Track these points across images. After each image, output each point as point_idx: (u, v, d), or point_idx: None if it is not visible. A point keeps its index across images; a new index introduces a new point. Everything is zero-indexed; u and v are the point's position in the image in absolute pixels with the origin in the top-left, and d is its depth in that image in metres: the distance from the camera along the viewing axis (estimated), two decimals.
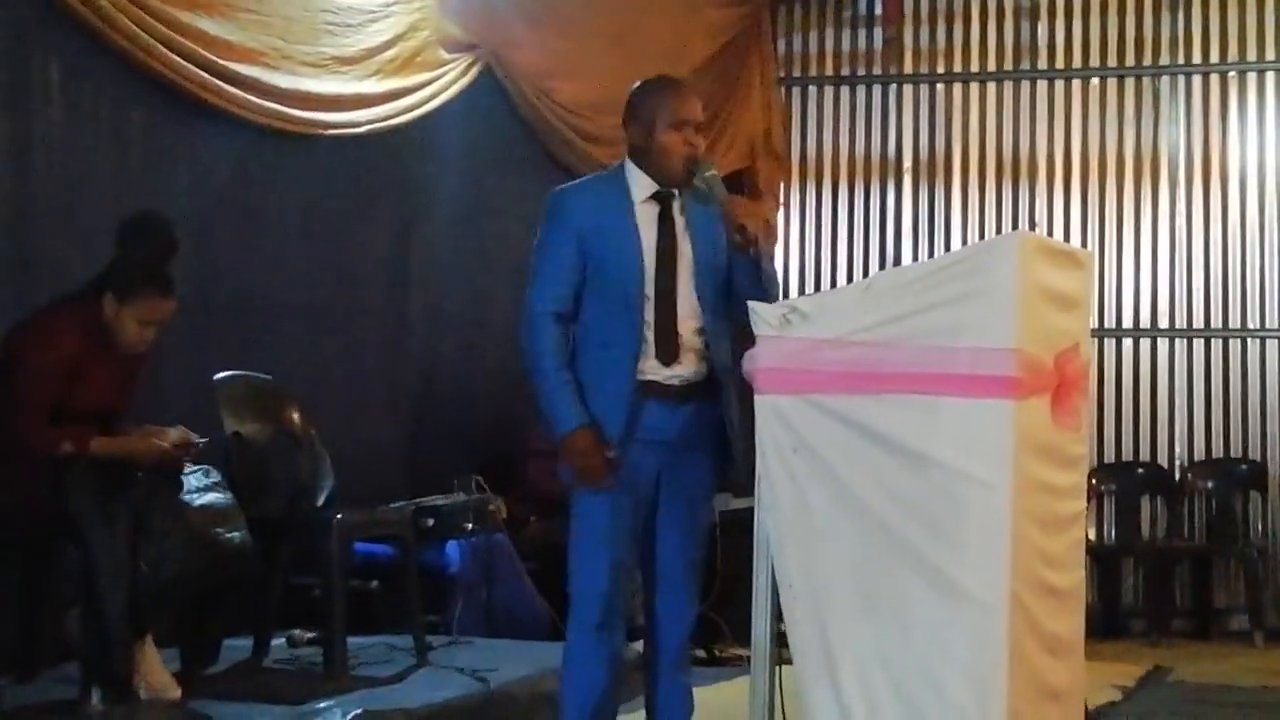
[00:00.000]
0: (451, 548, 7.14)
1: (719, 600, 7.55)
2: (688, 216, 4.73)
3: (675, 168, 4.70)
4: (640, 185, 4.72)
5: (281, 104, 6.81)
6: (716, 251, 4.73)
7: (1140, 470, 10.27)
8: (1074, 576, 4.59)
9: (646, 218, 4.70)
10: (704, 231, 4.73)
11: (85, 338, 5.24)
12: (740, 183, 10.31)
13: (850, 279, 10.72)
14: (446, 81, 7.87)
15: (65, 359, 5.19)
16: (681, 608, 4.83)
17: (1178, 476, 10.22)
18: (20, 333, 5.27)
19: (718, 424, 4.73)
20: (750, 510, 4.50)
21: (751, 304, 4.44)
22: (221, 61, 6.47)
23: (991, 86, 10.74)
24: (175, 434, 5.39)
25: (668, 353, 4.65)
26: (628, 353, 4.61)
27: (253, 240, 7.04)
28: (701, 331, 4.68)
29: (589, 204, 4.70)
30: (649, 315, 4.64)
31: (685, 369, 4.67)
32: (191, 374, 6.30)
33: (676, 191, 4.73)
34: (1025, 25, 10.66)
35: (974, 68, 10.77)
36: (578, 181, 4.94)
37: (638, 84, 4.83)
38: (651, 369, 4.64)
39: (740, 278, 4.72)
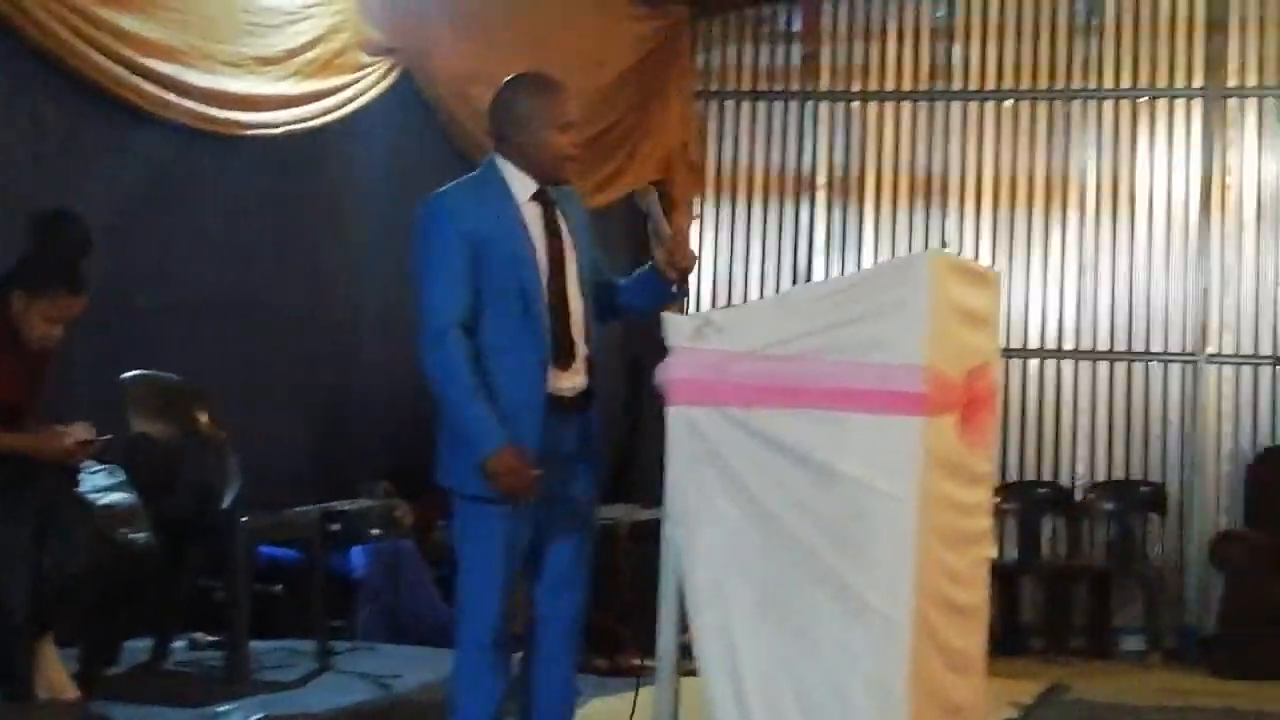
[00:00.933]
0: (357, 553, 7.12)
1: (623, 610, 7.58)
2: (566, 219, 4.69)
3: (561, 168, 4.67)
4: (520, 184, 4.63)
5: (200, 103, 6.76)
6: (591, 257, 4.73)
7: (1042, 490, 10.38)
8: (978, 593, 4.64)
9: (532, 218, 4.62)
10: (581, 236, 4.70)
11: None
12: (661, 196, 10.31)
13: (763, 294, 10.77)
14: (366, 84, 7.85)
15: None
16: (571, 609, 4.78)
17: (1079, 497, 10.33)
18: None
19: (597, 434, 4.70)
20: (657, 521, 4.52)
21: (666, 315, 4.45)
22: (140, 59, 6.43)
23: (906, 105, 10.82)
24: (78, 430, 5.35)
25: (564, 360, 4.58)
26: (535, 359, 4.51)
27: (169, 239, 6.99)
28: (589, 339, 4.66)
29: (471, 206, 4.57)
30: (547, 321, 4.56)
31: (578, 378, 4.62)
32: (103, 373, 6.24)
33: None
34: (941, 46, 10.75)
35: (889, 86, 10.85)
36: (451, 185, 4.71)
37: (512, 80, 4.73)
38: (552, 378, 4.56)
39: (642, 299, 4.73)
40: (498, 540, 4.55)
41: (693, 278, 10.70)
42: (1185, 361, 10.23)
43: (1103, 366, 10.37)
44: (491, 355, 4.50)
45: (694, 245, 10.77)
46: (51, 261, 5.26)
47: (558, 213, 4.68)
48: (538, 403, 4.53)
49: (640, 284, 4.75)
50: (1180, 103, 10.35)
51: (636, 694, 4.76)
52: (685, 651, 4.41)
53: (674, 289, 4.66)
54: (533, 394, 4.52)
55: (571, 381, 4.61)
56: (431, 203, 4.63)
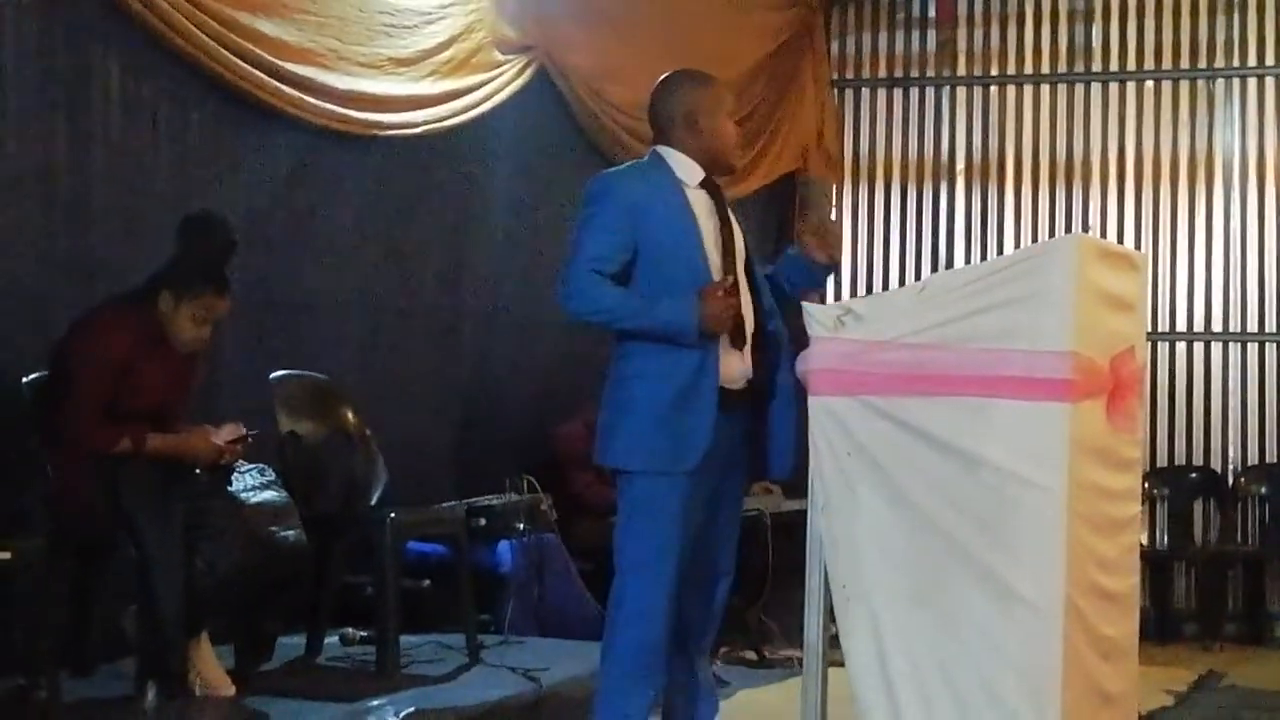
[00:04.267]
0: (503, 547, 7.16)
1: (769, 602, 7.57)
2: (731, 207, 4.78)
3: (733, 156, 4.81)
4: (688, 171, 4.72)
5: (338, 105, 6.83)
6: (750, 246, 4.79)
7: (1193, 475, 10.22)
8: (1128, 580, 4.58)
9: (699, 204, 4.70)
10: (743, 224, 4.79)
11: (140, 336, 5.28)
12: (794, 184, 10.31)
13: (903, 282, 10.69)
14: (501, 83, 7.89)
15: (119, 357, 5.23)
16: (716, 609, 4.84)
17: (1231, 481, 10.16)
18: (75, 331, 5.30)
19: (753, 428, 4.71)
20: (802, 512, 4.50)
21: (806, 305, 4.45)
22: (278, 62, 6.50)
23: (1045, 89, 10.70)
24: (227, 430, 5.43)
25: (739, 340, 4.62)
26: (712, 348, 4.56)
27: (309, 240, 7.07)
28: (761, 324, 4.69)
29: (639, 185, 4.65)
30: None
31: (747, 364, 4.66)
32: (248, 373, 6.34)
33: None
34: (1079, 28, 10.62)
35: (1028, 70, 10.73)
36: (619, 168, 4.85)
37: (672, 75, 4.84)
38: (723, 364, 4.59)
39: (796, 282, 4.77)
40: (674, 515, 4.56)
41: None
42: None
43: (1252, 348, 10.20)
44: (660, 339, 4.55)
45: None
46: (197, 262, 5.34)
47: (724, 200, 4.75)
48: (712, 401, 4.55)
49: (788, 270, 4.78)
50: None
51: None
52: (833, 643, 4.39)
53: (821, 275, 4.74)
54: (708, 388, 4.55)
55: (744, 365, 4.64)
56: (601, 178, 4.72)
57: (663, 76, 4.85)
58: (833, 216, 10.66)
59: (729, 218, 4.75)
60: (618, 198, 4.60)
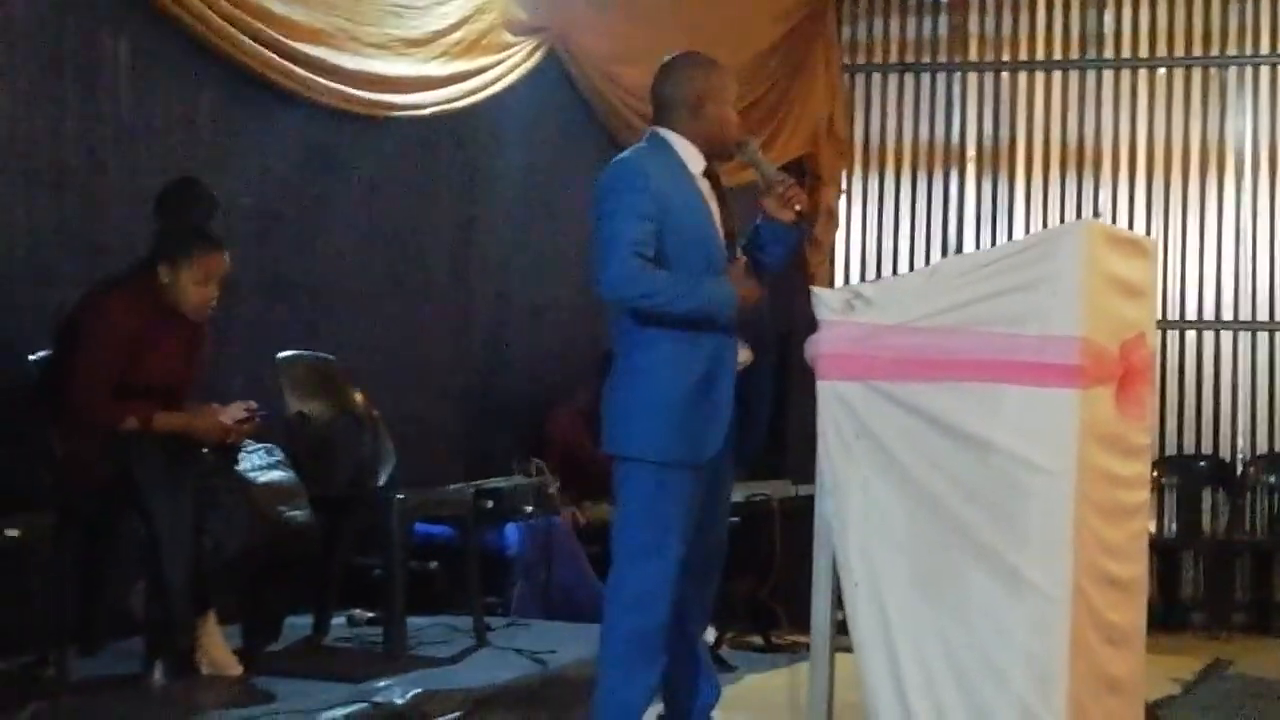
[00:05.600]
0: (511, 530, 7.16)
1: (776, 587, 7.58)
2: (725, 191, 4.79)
3: (733, 142, 4.76)
4: (692, 158, 4.70)
5: (348, 85, 6.83)
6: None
7: (1202, 463, 10.22)
8: (1136, 567, 4.57)
9: (705, 189, 4.71)
10: (734, 208, 4.79)
11: (144, 310, 5.30)
12: (802, 169, 10.29)
13: (912, 267, 10.68)
14: (512, 64, 7.88)
15: (125, 332, 5.25)
16: (710, 596, 4.85)
17: (1240, 470, 10.16)
18: (81, 309, 5.32)
19: (757, 406, 4.72)
20: (810, 498, 4.50)
21: (815, 289, 4.44)
22: (289, 42, 6.50)
23: (1057, 75, 10.68)
24: (235, 408, 5.43)
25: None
26: (729, 335, 4.58)
27: (319, 221, 7.07)
28: (755, 309, 4.70)
29: (658, 169, 4.62)
30: None
31: (744, 352, 4.67)
32: (256, 355, 6.33)
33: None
34: (1092, 14, 10.60)
35: (1039, 56, 10.72)
36: (631, 151, 4.75)
37: (679, 57, 4.79)
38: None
39: (774, 252, 4.74)
40: (683, 506, 4.56)
41: (840, 251, 10.79)
42: None
43: (1263, 337, 10.19)
44: (682, 326, 4.53)
45: (842, 219, 10.83)
46: (184, 228, 5.37)
47: (722, 184, 4.75)
48: (729, 374, 4.56)
49: (764, 238, 4.76)
50: None
51: None
52: (840, 628, 4.39)
53: (798, 228, 4.71)
54: (728, 377, 4.56)
55: (745, 351, 4.65)
56: (620, 164, 4.66)
57: (668, 58, 4.81)
58: (835, 198, 10.67)
59: (729, 203, 4.76)
60: (644, 182, 4.56)
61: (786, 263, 4.84)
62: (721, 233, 4.68)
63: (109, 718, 4.74)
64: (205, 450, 5.36)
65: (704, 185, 4.71)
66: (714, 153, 4.74)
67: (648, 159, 4.67)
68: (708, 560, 4.77)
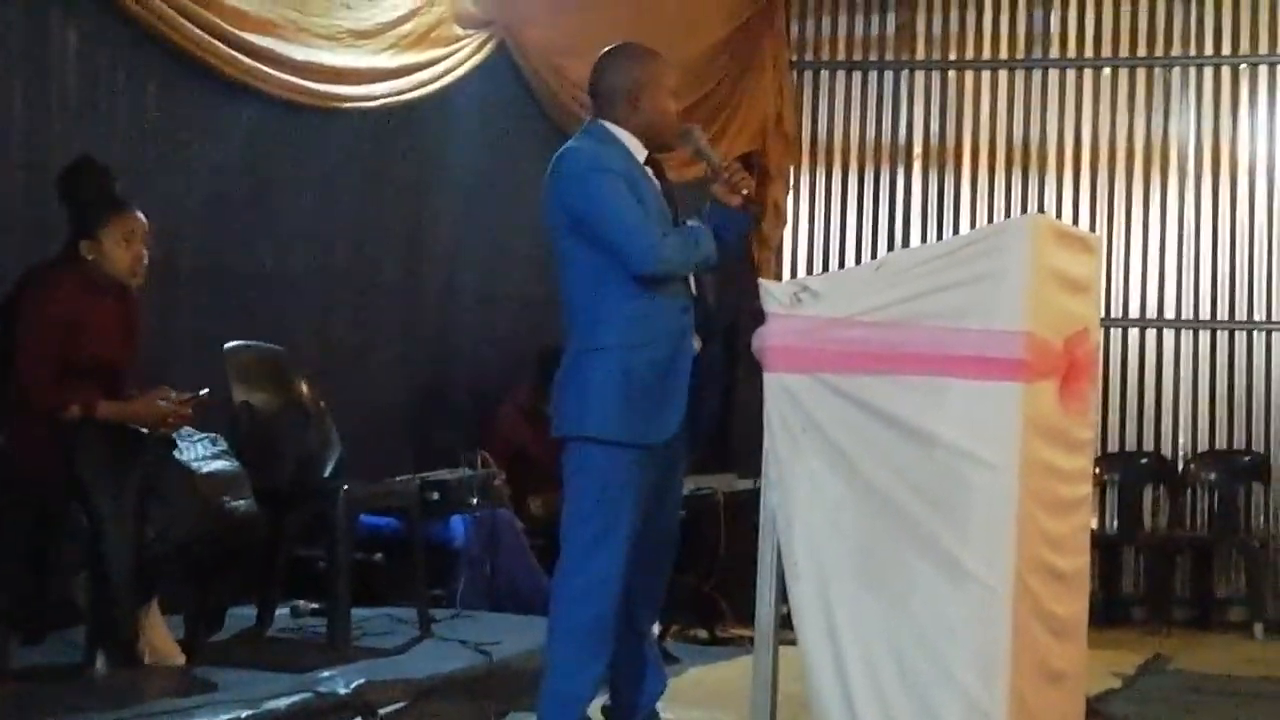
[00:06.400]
0: (456, 522, 7.16)
1: (721, 580, 7.58)
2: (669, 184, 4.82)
3: (674, 133, 4.78)
4: (636, 148, 4.73)
5: (297, 76, 6.81)
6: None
7: (1144, 460, 10.28)
8: (1078, 560, 4.61)
9: (651, 179, 4.74)
10: (678, 200, 4.82)
11: (77, 291, 5.31)
12: (750, 165, 10.31)
13: (859, 263, 10.71)
14: (461, 58, 7.88)
15: (62, 314, 5.25)
16: (660, 587, 4.87)
17: (1181, 467, 10.23)
18: (18, 292, 5.32)
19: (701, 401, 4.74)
20: (755, 491, 4.51)
21: (762, 281, 4.46)
22: (237, 32, 6.48)
23: (1003, 74, 10.72)
24: (171, 393, 5.41)
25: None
26: (680, 306, 4.62)
27: (267, 212, 7.05)
28: (701, 299, 4.73)
29: (612, 155, 4.66)
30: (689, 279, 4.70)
31: (695, 341, 4.70)
32: (203, 344, 6.31)
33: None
34: (1038, 13, 10.64)
35: (985, 55, 10.75)
36: (579, 140, 4.77)
37: (615, 49, 4.82)
38: None
39: (726, 238, 4.74)
40: (633, 488, 4.57)
41: (788, 246, 10.79)
42: None
43: (1204, 335, 10.25)
44: (644, 301, 4.57)
45: (789, 216, 10.86)
46: (89, 201, 5.37)
47: (665, 175, 4.79)
48: (688, 356, 4.61)
49: (714, 224, 4.76)
50: None
51: None
52: (785, 621, 4.40)
53: (746, 212, 4.75)
54: (685, 362, 4.60)
55: (695, 338, 4.68)
56: (575, 152, 4.68)
57: (605, 50, 4.83)
58: (783, 195, 10.70)
59: (672, 195, 4.79)
60: (602, 166, 4.60)
61: (738, 248, 4.89)
62: (671, 219, 4.71)
63: (51, 707, 4.71)
64: (146, 432, 5.33)
65: (649, 176, 4.74)
66: (654, 144, 4.76)
67: (596, 145, 4.69)
68: (657, 551, 4.78)
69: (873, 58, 11.00)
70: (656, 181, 4.75)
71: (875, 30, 11.00)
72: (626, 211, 4.55)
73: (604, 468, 4.56)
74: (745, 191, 4.69)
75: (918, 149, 10.86)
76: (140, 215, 5.42)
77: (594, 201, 4.57)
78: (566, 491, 4.68)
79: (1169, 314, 10.32)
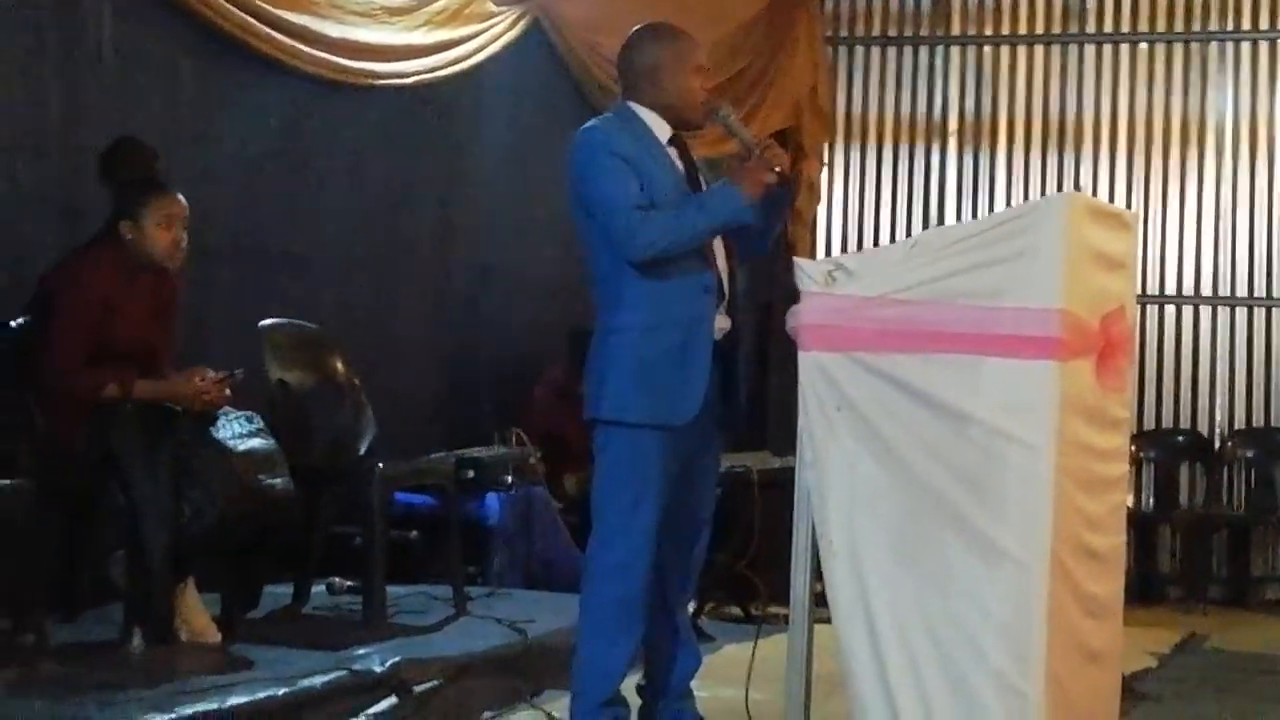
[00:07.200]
0: (491, 499, 7.17)
1: (756, 558, 7.58)
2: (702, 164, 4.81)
3: (699, 112, 4.75)
4: (659, 128, 4.72)
5: (331, 53, 6.81)
6: None
7: (1180, 438, 10.25)
8: (1114, 539, 4.58)
9: (673, 159, 4.72)
10: (711, 180, 4.78)
11: (114, 272, 5.32)
12: (784, 141, 10.29)
13: (894, 240, 10.68)
14: (495, 34, 7.87)
15: (98, 296, 5.26)
16: (695, 561, 4.87)
17: (1218, 445, 10.19)
18: (52, 277, 5.33)
19: (741, 380, 4.75)
20: (789, 470, 4.50)
21: (797, 260, 4.43)
22: (272, 9, 6.49)
23: (1039, 49, 10.68)
24: (208, 372, 5.42)
25: (720, 299, 4.66)
26: (700, 286, 4.59)
27: (300, 189, 7.06)
28: (732, 281, 4.71)
29: (627, 139, 4.65)
30: (711, 255, 4.65)
31: (724, 320, 4.69)
32: (237, 322, 6.32)
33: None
34: None
35: (1022, 30, 10.72)
36: (599, 120, 4.79)
37: (639, 30, 4.82)
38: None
39: (764, 215, 4.71)
40: (656, 469, 4.58)
41: (822, 223, 10.77)
42: None
43: (1241, 312, 10.21)
44: (659, 282, 4.55)
45: (823, 193, 10.82)
46: (132, 182, 5.39)
47: (691, 156, 4.75)
48: (708, 336, 4.57)
49: (719, 196, 4.71)
50: None
51: (755, 644, 4.79)
52: (819, 599, 4.40)
53: (782, 189, 4.70)
54: (706, 338, 4.58)
55: (724, 318, 4.66)
56: (589, 131, 4.69)
57: (632, 30, 4.83)
58: (817, 171, 10.66)
59: (697, 174, 4.77)
60: (611, 149, 4.60)
61: (778, 225, 4.85)
62: None
63: (88, 684, 4.73)
64: (182, 411, 5.34)
65: (672, 156, 4.73)
66: (679, 122, 4.75)
67: (615, 128, 4.70)
68: (690, 531, 4.78)
69: (908, 33, 10.96)
70: (680, 163, 4.73)
71: (911, 5, 10.97)
72: (615, 196, 4.54)
73: (627, 449, 4.58)
74: (779, 168, 4.66)
75: (953, 125, 10.82)
76: (181, 198, 5.42)
77: (590, 184, 4.60)
78: (595, 471, 4.70)
79: (1205, 291, 10.28)
